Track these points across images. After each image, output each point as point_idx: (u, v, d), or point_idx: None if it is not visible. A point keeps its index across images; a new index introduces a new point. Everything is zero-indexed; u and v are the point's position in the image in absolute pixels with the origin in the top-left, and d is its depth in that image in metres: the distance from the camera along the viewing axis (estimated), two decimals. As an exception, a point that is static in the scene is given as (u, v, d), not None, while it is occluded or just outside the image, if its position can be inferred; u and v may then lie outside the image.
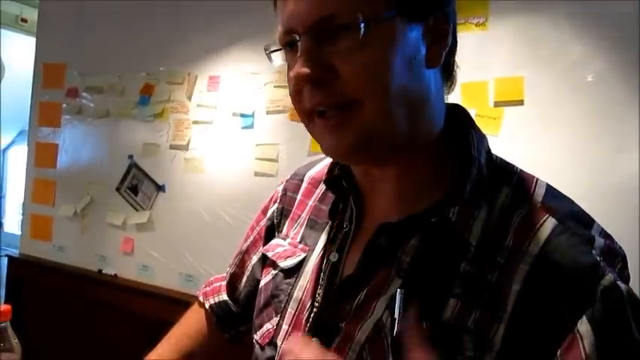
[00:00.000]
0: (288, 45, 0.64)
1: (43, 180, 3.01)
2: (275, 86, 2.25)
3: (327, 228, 0.76)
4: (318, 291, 0.71)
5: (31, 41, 3.31)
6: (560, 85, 1.71)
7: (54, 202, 2.95)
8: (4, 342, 0.87)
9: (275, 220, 0.88)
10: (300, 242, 0.79)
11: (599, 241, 0.58)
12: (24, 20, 4.60)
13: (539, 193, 0.63)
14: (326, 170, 0.78)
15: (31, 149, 3.09)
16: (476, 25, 1.83)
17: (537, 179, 0.65)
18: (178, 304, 2.03)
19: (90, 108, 2.85)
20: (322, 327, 0.68)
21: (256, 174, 2.29)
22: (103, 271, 2.70)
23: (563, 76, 1.70)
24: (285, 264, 0.78)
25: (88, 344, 2.63)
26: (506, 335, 0.56)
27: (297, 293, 0.74)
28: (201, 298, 0.97)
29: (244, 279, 0.93)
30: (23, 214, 3.11)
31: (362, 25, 0.57)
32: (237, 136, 2.35)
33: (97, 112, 2.81)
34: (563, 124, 1.69)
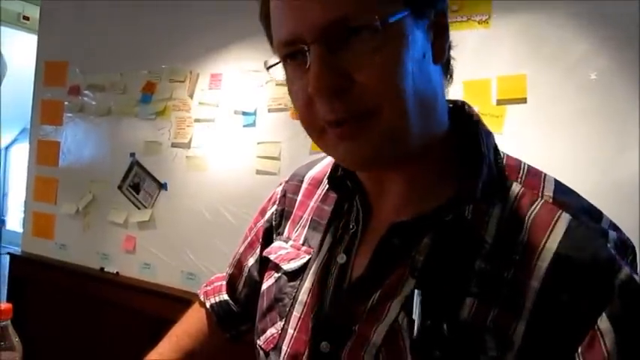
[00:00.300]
0: (290, 56, 0.60)
1: (45, 178, 3.01)
2: (277, 84, 2.24)
3: (332, 229, 0.74)
4: (325, 294, 0.69)
5: (32, 39, 3.32)
6: (564, 83, 1.70)
7: (56, 200, 2.95)
8: (4, 340, 0.87)
9: (274, 222, 0.87)
10: (303, 244, 0.78)
11: (612, 234, 0.58)
12: (26, 18, 4.61)
13: (549, 188, 0.63)
14: (328, 170, 0.76)
15: (33, 147, 3.09)
16: (479, 23, 1.83)
17: (545, 174, 0.65)
18: (180, 302, 2.03)
19: (92, 106, 2.84)
20: (332, 330, 0.66)
21: (258, 172, 2.28)
22: (105, 269, 2.70)
23: (567, 74, 1.70)
24: (288, 266, 0.76)
25: (90, 342, 2.63)
26: (527, 333, 0.55)
27: (303, 296, 0.72)
28: (202, 298, 0.97)
29: (242, 280, 0.92)
30: (25, 212, 3.11)
31: (380, 26, 0.54)
32: (238, 134, 2.35)
33: (98, 110, 2.81)
34: (566, 122, 1.69)
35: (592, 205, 0.62)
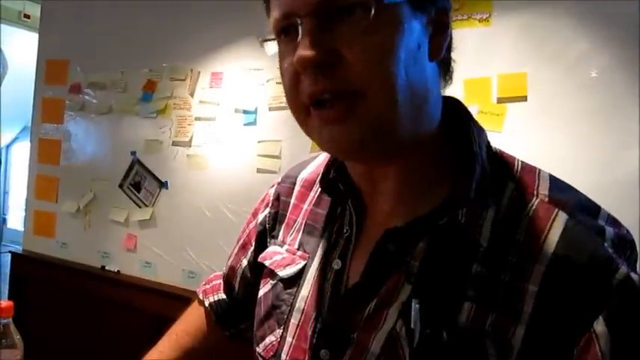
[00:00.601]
0: (284, 31, 0.60)
1: (46, 176, 3.01)
2: (277, 83, 2.24)
3: (327, 234, 0.73)
4: (323, 301, 0.68)
5: (33, 37, 3.31)
6: (564, 81, 1.70)
7: (57, 198, 2.95)
8: (6, 338, 0.87)
9: (267, 225, 0.86)
10: (298, 249, 0.77)
11: (609, 231, 0.57)
12: (27, 16, 4.61)
13: (545, 185, 0.62)
14: (320, 172, 0.75)
15: (34, 145, 3.08)
16: (479, 21, 1.83)
17: (540, 170, 0.64)
18: (181, 300, 2.03)
19: (93, 104, 2.84)
20: (331, 338, 0.65)
21: (259, 170, 2.29)
22: (106, 268, 2.70)
23: (567, 72, 1.70)
24: (284, 273, 0.75)
25: (91, 340, 2.64)
26: (527, 336, 0.55)
27: (300, 304, 0.71)
28: (200, 296, 0.97)
29: (237, 281, 0.92)
30: (26, 210, 3.11)
31: (373, 5, 0.54)
32: (239, 133, 2.35)
33: (99, 109, 2.81)
34: (567, 121, 1.68)
35: (589, 199, 0.62)
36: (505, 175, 0.63)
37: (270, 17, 0.62)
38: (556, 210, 0.58)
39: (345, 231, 0.70)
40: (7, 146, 7.67)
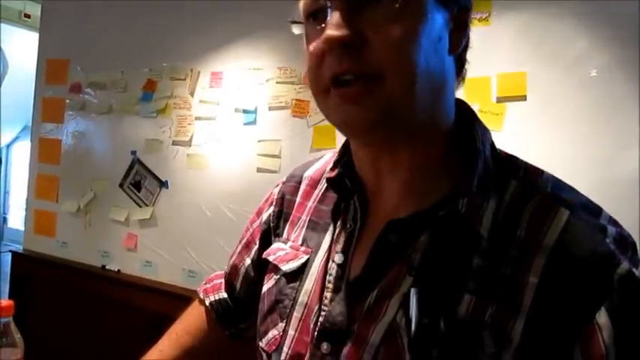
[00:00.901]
0: (313, 15, 0.62)
1: (46, 176, 3.02)
2: (277, 82, 2.25)
3: (330, 229, 0.74)
4: (325, 294, 0.69)
5: (34, 37, 3.32)
6: (564, 81, 1.70)
7: (57, 197, 2.95)
8: (6, 337, 0.87)
9: (272, 224, 0.86)
10: (302, 244, 0.77)
11: (611, 230, 0.58)
12: (27, 16, 4.62)
13: (547, 185, 0.63)
14: (326, 169, 0.76)
15: (35, 145, 3.09)
16: (479, 21, 1.83)
17: (543, 172, 0.65)
18: (181, 299, 2.04)
19: (93, 104, 2.85)
20: (332, 330, 0.66)
21: (259, 170, 2.29)
22: (107, 267, 2.71)
23: (567, 71, 1.70)
24: (287, 267, 0.76)
25: (91, 339, 2.64)
26: (526, 329, 0.55)
27: (303, 297, 0.72)
28: (201, 295, 0.97)
29: (240, 280, 0.92)
30: (27, 209, 3.11)
31: None
32: (239, 132, 2.35)
33: (100, 108, 2.82)
34: (566, 120, 1.69)
35: (591, 201, 0.62)
36: (508, 174, 0.64)
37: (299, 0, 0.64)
38: (558, 206, 0.59)
39: (348, 226, 0.71)
40: (8, 146, 7.67)
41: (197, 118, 2.48)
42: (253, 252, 0.89)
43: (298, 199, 0.83)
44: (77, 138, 2.91)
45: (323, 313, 0.68)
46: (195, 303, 0.99)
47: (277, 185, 0.90)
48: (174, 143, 2.54)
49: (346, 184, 0.73)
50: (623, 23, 1.62)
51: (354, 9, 0.58)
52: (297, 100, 2.16)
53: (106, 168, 2.77)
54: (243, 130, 2.34)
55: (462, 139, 0.66)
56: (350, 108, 0.59)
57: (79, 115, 2.90)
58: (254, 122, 2.32)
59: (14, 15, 4.57)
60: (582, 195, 0.63)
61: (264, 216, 0.89)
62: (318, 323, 0.68)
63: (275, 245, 0.83)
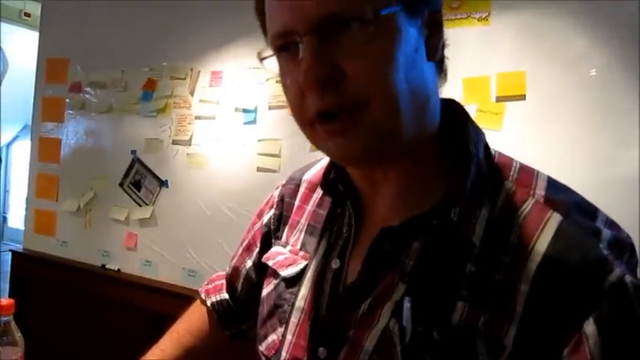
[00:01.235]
0: (283, 48, 0.60)
1: (46, 175, 3.01)
2: (277, 81, 2.23)
3: (327, 234, 0.74)
4: (322, 299, 0.69)
5: (34, 36, 3.31)
6: (563, 80, 1.70)
7: (57, 197, 2.95)
8: (7, 336, 0.88)
9: (272, 227, 0.87)
10: (300, 249, 0.77)
11: (606, 233, 0.57)
12: (27, 15, 4.62)
13: (541, 186, 0.62)
14: (322, 174, 0.76)
15: (35, 144, 3.09)
16: (478, 20, 1.83)
17: (538, 172, 0.64)
18: (181, 299, 2.04)
19: (93, 103, 2.85)
20: (328, 336, 0.66)
21: (259, 169, 2.29)
22: (107, 266, 2.71)
23: (566, 70, 1.70)
24: (286, 273, 0.76)
25: (91, 339, 2.64)
26: (518, 337, 0.55)
27: (300, 303, 0.72)
28: (203, 296, 0.98)
29: (241, 281, 0.92)
30: (27, 209, 3.11)
31: (371, 19, 0.55)
32: (239, 132, 2.35)
33: (100, 108, 2.81)
34: (566, 119, 1.69)
35: (587, 201, 0.61)
36: (502, 176, 0.63)
37: (267, 34, 0.63)
38: (551, 211, 0.58)
39: (344, 231, 0.71)
40: (8, 145, 7.67)
41: (197, 118, 2.48)
42: (254, 254, 0.90)
43: (297, 202, 0.83)
44: (77, 137, 2.91)
45: (319, 318, 0.69)
46: (197, 303, 0.99)
47: (277, 187, 0.91)
48: (175, 142, 2.54)
49: (339, 189, 0.73)
50: (622, 22, 1.62)
51: (325, 40, 0.56)
52: (297, 99, 2.14)
53: (106, 167, 2.77)
54: (243, 130, 2.34)
55: (455, 142, 0.65)
56: (337, 140, 0.59)
57: (79, 114, 2.90)
58: (254, 121, 2.32)
59: (14, 14, 4.57)
60: (578, 195, 0.62)
61: (265, 218, 0.89)
62: (315, 328, 0.68)
63: (274, 249, 0.83)
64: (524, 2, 1.77)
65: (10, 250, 3.16)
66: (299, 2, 0.57)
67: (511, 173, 0.64)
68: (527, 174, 0.64)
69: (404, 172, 0.65)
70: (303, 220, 0.80)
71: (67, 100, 2.94)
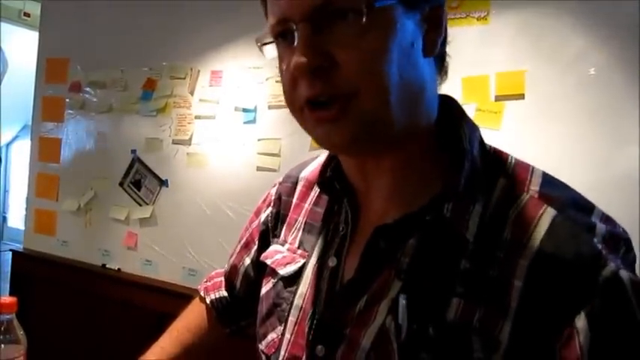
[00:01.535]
0: (281, 35, 0.61)
1: (46, 175, 3.02)
2: (277, 81, 2.25)
3: (324, 232, 0.74)
4: (319, 297, 0.70)
5: (34, 36, 3.32)
6: (562, 79, 1.70)
7: (57, 196, 2.95)
8: (10, 334, 0.88)
9: (270, 225, 0.87)
10: (298, 247, 0.78)
11: (601, 228, 0.56)
12: (27, 15, 4.62)
13: (536, 182, 0.61)
14: (318, 171, 0.76)
15: (35, 144, 3.09)
16: (477, 20, 1.83)
17: (533, 168, 0.64)
18: (181, 298, 2.04)
19: (93, 103, 2.85)
20: (326, 334, 0.66)
21: (258, 169, 2.29)
22: (107, 266, 2.71)
23: (565, 69, 1.70)
24: (284, 271, 0.76)
25: (92, 338, 2.65)
26: (513, 332, 0.55)
27: (298, 301, 0.72)
28: (202, 293, 0.98)
29: (239, 279, 0.93)
30: (27, 208, 3.11)
31: (365, 10, 0.55)
32: (239, 131, 2.35)
33: (100, 107, 2.82)
34: (565, 119, 1.69)
35: (583, 197, 0.61)
36: (497, 172, 0.63)
37: (267, 21, 0.64)
38: (545, 206, 0.58)
39: (340, 229, 0.71)
40: (8, 145, 7.67)
41: (197, 117, 2.48)
42: (253, 252, 0.90)
43: (295, 200, 0.83)
44: (77, 137, 2.91)
45: (317, 316, 0.69)
46: (196, 301, 1.00)
47: (274, 185, 0.90)
48: (174, 142, 2.54)
49: (335, 187, 0.73)
50: (621, 22, 1.62)
51: (320, 29, 0.57)
52: (296, 98, 2.14)
53: (106, 167, 2.77)
54: (243, 129, 2.34)
55: (450, 138, 0.65)
56: (326, 127, 0.60)
57: (79, 114, 2.91)
58: (254, 121, 2.32)
59: (14, 14, 4.57)
60: (574, 191, 0.62)
61: (263, 216, 0.89)
62: (313, 326, 0.68)
63: (272, 248, 0.83)
64: (523, 2, 1.77)
65: (11, 250, 3.16)
66: None
67: (506, 169, 0.64)
68: (523, 169, 0.64)
69: (397, 166, 0.65)
70: (300, 219, 0.80)
71: (67, 99, 2.94)
